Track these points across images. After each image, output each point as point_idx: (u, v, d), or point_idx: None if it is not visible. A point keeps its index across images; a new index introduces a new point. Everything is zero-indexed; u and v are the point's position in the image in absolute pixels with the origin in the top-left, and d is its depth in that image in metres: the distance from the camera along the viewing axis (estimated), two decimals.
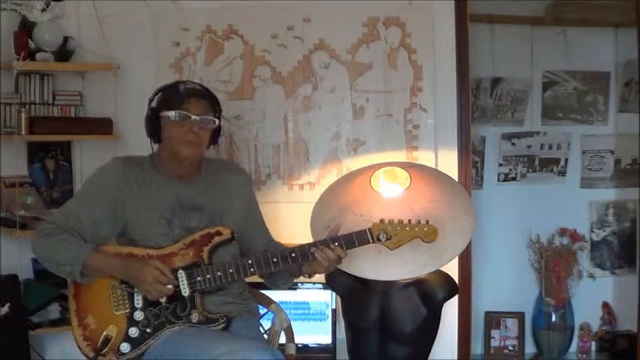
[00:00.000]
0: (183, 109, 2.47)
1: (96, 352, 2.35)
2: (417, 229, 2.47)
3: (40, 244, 2.44)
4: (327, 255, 2.44)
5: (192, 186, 2.55)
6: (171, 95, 2.51)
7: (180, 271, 2.41)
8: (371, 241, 2.46)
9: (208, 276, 2.42)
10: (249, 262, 2.45)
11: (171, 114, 2.47)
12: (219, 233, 2.49)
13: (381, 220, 2.46)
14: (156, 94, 2.57)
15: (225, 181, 2.63)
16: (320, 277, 2.97)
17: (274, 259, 2.44)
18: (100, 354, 2.35)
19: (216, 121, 2.53)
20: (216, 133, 2.58)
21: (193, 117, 2.46)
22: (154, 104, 2.54)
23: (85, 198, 2.51)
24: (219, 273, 2.42)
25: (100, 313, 2.41)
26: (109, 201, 2.46)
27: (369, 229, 2.46)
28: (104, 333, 2.37)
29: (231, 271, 2.43)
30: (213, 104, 2.55)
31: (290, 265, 2.47)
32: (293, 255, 2.45)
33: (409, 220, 2.47)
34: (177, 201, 2.50)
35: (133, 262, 2.41)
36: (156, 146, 2.60)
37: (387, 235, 2.45)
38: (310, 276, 2.55)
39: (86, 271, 2.39)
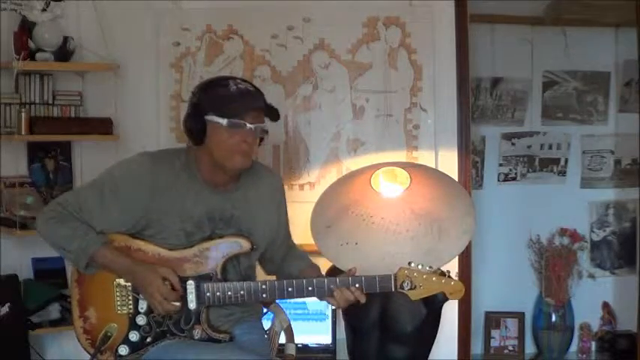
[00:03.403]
0: (237, 117, 2.23)
1: (96, 349, 2.30)
2: (443, 281, 2.30)
3: (47, 226, 2.30)
4: (345, 296, 2.29)
5: (226, 196, 2.36)
6: (222, 96, 2.25)
7: (190, 281, 2.28)
8: (393, 289, 2.30)
9: (218, 293, 2.29)
10: (263, 287, 2.30)
11: (224, 122, 2.23)
12: (237, 245, 2.33)
13: (409, 264, 2.31)
14: (202, 90, 2.31)
15: (260, 191, 2.44)
16: None
17: (289, 289, 2.30)
18: (99, 351, 2.30)
19: (268, 128, 2.31)
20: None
21: (249, 126, 2.24)
22: (197, 102, 2.28)
23: (104, 196, 2.29)
24: (229, 293, 2.29)
25: (103, 307, 2.33)
26: (130, 207, 2.28)
27: (395, 275, 2.29)
28: (104, 329, 2.32)
29: (242, 292, 2.29)
30: (265, 107, 2.30)
31: (303, 296, 2.36)
32: (309, 289, 2.31)
33: (438, 270, 2.32)
34: (206, 213, 2.32)
35: (142, 268, 2.26)
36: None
37: (412, 284, 2.29)
38: (320, 299, 2.42)
39: (92, 264, 2.29)
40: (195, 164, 2.34)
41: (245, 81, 2.36)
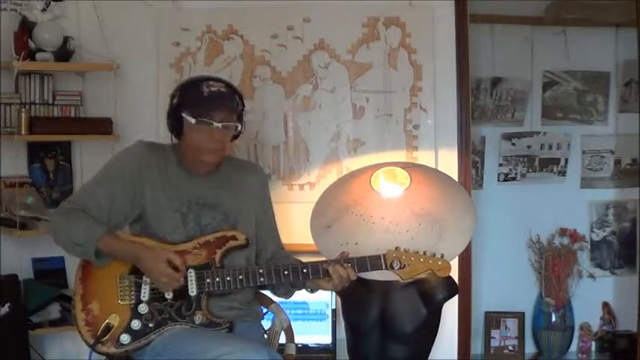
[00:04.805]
0: (205, 117, 2.40)
1: (96, 340, 2.35)
2: (431, 261, 2.45)
3: (57, 223, 2.45)
4: (338, 272, 2.42)
5: (208, 183, 2.52)
6: (194, 97, 2.43)
7: (191, 270, 2.40)
8: (384, 267, 2.44)
9: (217, 279, 2.40)
10: (260, 271, 2.43)
11: (193, 120, 2.41)
12: (234, 238, 2.47)
13: (397, 248, 2.45)
14: (179, 90, 2.49)
15: (242, 182, 2.60)
16: None
17: (285, 272, 2.42)
18: (99, 342, 2.35)
19: (239, 126, 2.47)
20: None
21: (216, 124, 2.40)
22: (175, 101, 2.47)
23: (107, 178, 2.48)
24: (228, 278, 2.41)
25: (105, 300, 2.40)
26: (130, 183, 2.45)
27: (384, 256, 2.44)
28: (106, 321, 2.37)
29: (240, 277, 2.41)
30: (236, 106, 2.47)
31: (299, 280, 2.47)
32: (304, 271, 2.43)
33: (424, 252, 2.45)
34: (194, 196, 2.49)
35: (146, 254, 2.37)
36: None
37: (401, 263, 2.43)
38: (313, 291, 2.54)
39: (100, 253, 2.37)
40: (180, 155, 2.53)
41: (222, 81, 2.51)
